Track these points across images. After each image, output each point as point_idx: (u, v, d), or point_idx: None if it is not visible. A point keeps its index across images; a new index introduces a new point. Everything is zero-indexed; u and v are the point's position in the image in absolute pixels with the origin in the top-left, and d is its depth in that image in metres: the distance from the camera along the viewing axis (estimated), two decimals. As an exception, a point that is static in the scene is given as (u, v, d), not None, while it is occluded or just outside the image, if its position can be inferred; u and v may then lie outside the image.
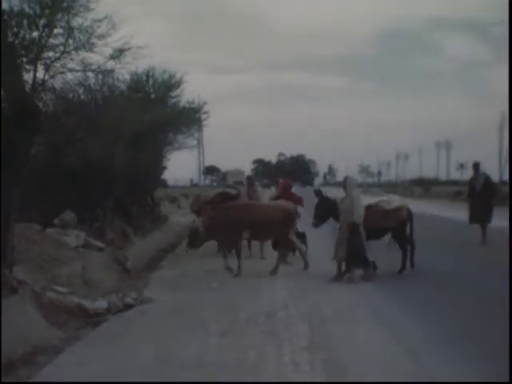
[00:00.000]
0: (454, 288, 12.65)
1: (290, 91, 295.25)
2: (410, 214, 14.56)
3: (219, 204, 16.39)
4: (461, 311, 10.55)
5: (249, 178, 20.22)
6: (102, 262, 13.78)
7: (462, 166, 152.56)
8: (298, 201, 16.62)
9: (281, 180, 20.69)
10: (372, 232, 13.97)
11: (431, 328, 9.45)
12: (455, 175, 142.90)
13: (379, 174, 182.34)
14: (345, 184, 14.18)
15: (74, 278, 12.29)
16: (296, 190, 22.29)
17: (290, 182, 18.20)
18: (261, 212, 14.86)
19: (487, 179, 20.91)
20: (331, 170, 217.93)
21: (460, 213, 25.42)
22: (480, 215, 20.25)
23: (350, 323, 9.80)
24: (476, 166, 21.34)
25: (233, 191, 18.62)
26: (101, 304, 11.00)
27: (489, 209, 20.28)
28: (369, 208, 14.08)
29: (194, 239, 14.68)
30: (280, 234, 14.87)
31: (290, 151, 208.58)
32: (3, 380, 7.26)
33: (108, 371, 7.58)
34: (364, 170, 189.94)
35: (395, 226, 14.29)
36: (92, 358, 8.16)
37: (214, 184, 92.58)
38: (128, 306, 11.30)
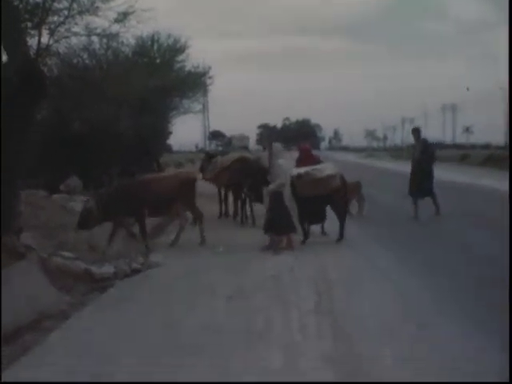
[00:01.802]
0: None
1: (295, 55, 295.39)
2: (344, 183, 14.50)
3: (237, 170, 16.02)
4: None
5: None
6: (108, 228, 13.78)
7: (467, 130, 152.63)
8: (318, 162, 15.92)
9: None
10: (306, 200, 13.99)
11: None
12: (461, 139, 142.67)
13: (385, 138, 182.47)
14: (271, 152, 14.27)
15: (80, 244, 12.32)
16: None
17: (309, 146, 17.84)
18: (157, 186, 13.97)
19: (425, 145, 19.11)
20: (337, 135, 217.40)
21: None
22: (420, 186, 18.32)
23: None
24: (415, 131, 19.60)
25: (251, 156, 18.12)
26: (108, 269, 11.02)
27: (429, 177, 18.45)
28: (299, 177, 14.01)
29: (86, 221, 13.09)
30: (184, 203, 14.21)
31: (296, 116, 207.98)
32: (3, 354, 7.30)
33: (115, 336, 7.62)
34: (369, 134, 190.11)
35: (328, 195, 14.13)
36: (99, 323, 8.20)
37: (220, 149, 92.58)
38: (135, 271, 11.33)
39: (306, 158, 15.45)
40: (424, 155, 18.54)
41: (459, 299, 8.94)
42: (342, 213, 14.34)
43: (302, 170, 14.32)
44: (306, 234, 14.06)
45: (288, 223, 13.42)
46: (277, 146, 14.16)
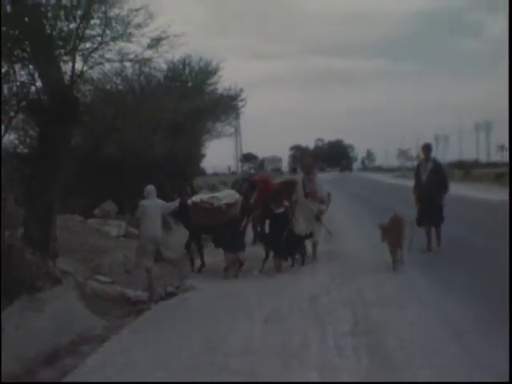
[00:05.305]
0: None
1: (327, 76, 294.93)
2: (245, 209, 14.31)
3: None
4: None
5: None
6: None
7: (502, 148, 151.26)
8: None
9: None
10: (205, 228, 13.89)
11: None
12: (496, 157, 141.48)
13: (418, 157, 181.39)
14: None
15: (115, 268, 12.39)
16: (334, 175, 21.74)
17: (265, 176, 16.74)
18: None
19: (436, 166, 15.47)
20: (369, 155, 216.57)
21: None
22: (428, 214, 14.92)
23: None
24: (426, 148, 15.81)
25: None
26: (143, 292, 11.07)
27: (438, 205, 15.07)
28: (194, 205, 13.81)
29: None
30: None
31: (328, 136, 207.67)
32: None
33: (153, 358, 7.62)
34: (402, 153, 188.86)
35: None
36: (137, 346, 8.22)
37: (252, 171, 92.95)
38: (170, 295, 11.35)
39: (263, 190, 14.92)
40: (434, 179, 15.20)
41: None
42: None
43: (199, 197, 14.19)
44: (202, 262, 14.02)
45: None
46: (149, 187, 13.50)
